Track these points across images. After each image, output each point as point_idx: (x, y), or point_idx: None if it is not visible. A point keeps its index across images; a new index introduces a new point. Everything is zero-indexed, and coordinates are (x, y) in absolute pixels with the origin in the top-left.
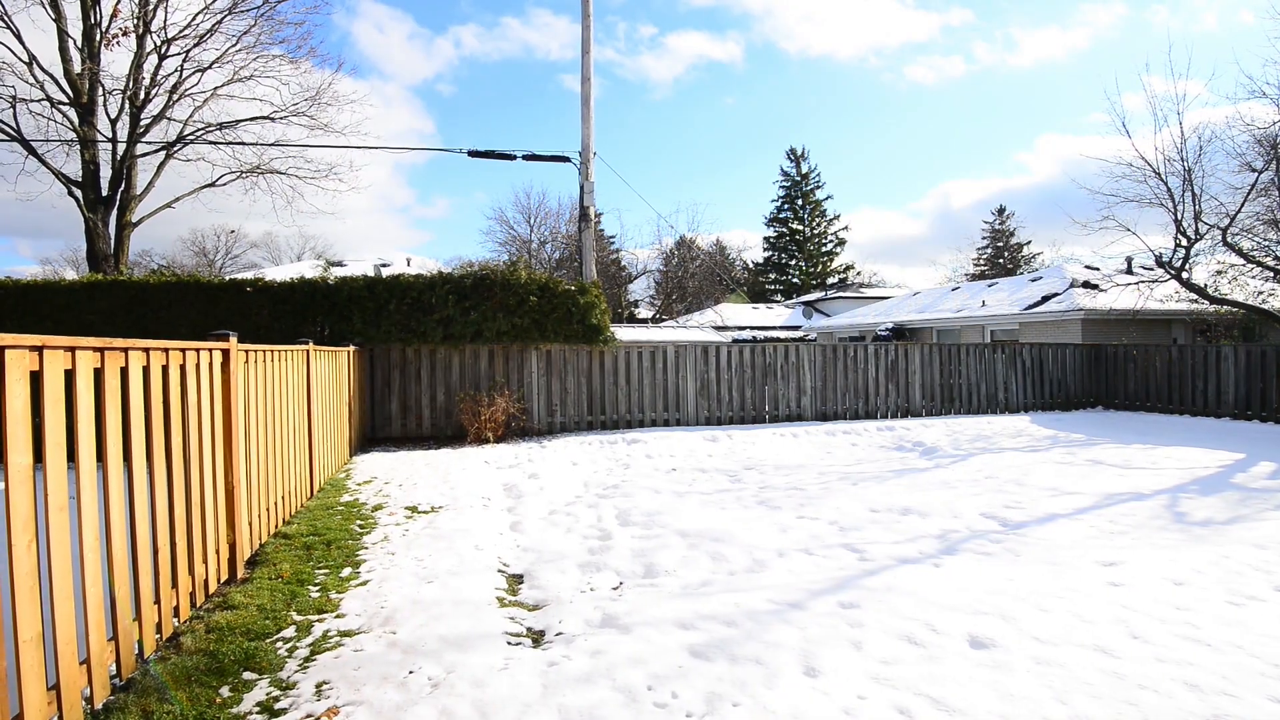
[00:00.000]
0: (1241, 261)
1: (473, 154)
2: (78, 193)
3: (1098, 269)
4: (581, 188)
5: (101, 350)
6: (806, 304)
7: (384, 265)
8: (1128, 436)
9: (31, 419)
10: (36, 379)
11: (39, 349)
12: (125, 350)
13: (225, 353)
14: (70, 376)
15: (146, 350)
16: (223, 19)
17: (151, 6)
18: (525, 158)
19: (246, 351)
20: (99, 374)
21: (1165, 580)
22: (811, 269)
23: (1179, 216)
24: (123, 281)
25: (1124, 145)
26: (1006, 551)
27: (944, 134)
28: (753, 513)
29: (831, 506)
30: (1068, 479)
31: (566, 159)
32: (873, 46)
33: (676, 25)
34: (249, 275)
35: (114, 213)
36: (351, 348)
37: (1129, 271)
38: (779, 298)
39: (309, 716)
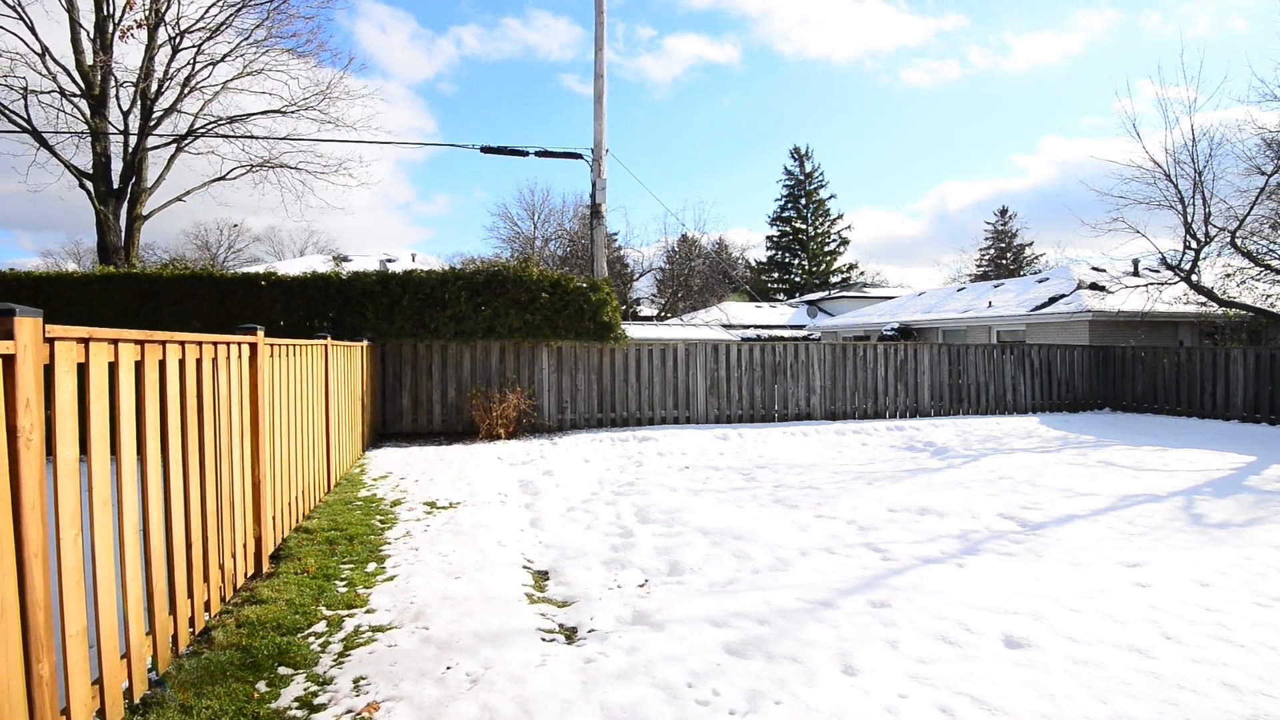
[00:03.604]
0: (1250, 264)
1: (485, 150)
2: (89, 185)
3: (1105, 270)
4: (593, 184)
5: (142, 343)
6: (810, 303)
7: (390, 261)
8: (1137, 438)
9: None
10: (81, 372)
11: (85, 341)
12: (163, 343)
13: (253, 346)
14: (113, 369)
15: (182, 343)
16: (237, 10)
17: None
18: (537, 154)
19: (271, 345)
20: (139, 366)
21: (1191, 581)
22: (814, 268)
23: (1188, 219)
24: (136, 274)
25: (1128, 147)
26: (1029, 552)
27: (941, 136)
28: (770, 511)
29: (848, 506)
30: (1081, 480)
31: (579, 155)
32: (869, 50)
33: (675, 28)
34: (254, 269)
35: (124, 205)
36: (364, 343)
37: (1136, 273)
38: (781, 297)
39: (349, 712)
